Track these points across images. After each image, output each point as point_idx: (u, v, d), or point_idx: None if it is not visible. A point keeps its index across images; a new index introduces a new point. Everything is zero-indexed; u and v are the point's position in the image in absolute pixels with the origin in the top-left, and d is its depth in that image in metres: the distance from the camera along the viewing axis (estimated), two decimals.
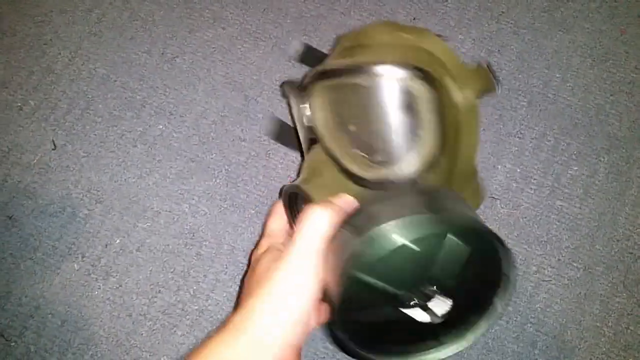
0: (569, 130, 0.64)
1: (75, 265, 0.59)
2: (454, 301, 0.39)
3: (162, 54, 0.66)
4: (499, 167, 0.63)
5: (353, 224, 0.39)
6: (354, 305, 0.38)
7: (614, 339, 0.58)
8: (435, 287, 0.38)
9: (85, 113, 0.64)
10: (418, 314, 0.39)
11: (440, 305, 0.39)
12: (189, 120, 0.63)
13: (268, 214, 0.50)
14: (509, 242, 0.60)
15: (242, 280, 0.52)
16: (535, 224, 0.61)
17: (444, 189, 0.44)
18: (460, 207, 0.39)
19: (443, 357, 0.41)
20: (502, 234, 0.60)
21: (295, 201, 0.49)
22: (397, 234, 0.36)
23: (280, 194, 0.53)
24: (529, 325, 0.58)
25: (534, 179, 0.62)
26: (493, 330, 0.58)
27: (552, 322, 0.58)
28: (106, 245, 0.60)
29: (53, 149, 0.62)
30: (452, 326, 0.41)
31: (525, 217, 0.61)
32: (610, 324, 0.58)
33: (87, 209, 0.61)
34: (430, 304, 0.39)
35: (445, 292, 0.39)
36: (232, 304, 0.58)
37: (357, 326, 0.39)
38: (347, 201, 0.42)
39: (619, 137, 0.64)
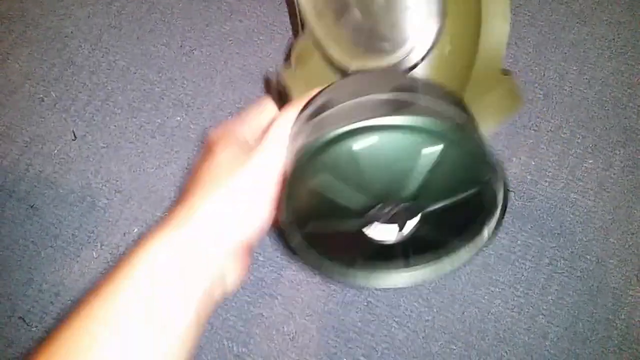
0: (585, 123, 0.64)
1: (94, 253, 0.60)
2: (434, 226, 0.34)
3: (181, 46, 0.67)
4: (514, 159, 0.63)
5: (312, 113, 0.34)
6: (312, 213, 0.34)
7: (626, 332, 0.58)
8: (407, 205, 0.33)
9: (105, 104, 0.65)
10: (377, 232, 0.35)
11: (404, 224, 0.34)
12: (206, 112, 0.64)
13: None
14: (523, 235, 0.60)
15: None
16: (549, 216, 0.61)
17: (427, 80, 0.38)
18: (440, 106, 0.32)
19: (414, 281, 0.37)
20: (515, 226, 0.60)
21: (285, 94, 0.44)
22: (346, 139, 0.30)
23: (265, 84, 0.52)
24: (540, 317, 0.58)
25: (549, 172, 0.62)
26: (504, 322, 0.58)
27: (564, 314, 0.58)
28: (124, 234, 0.61)
29: (73, 140, 0.64)
30: (431, 253, 0.37)
31: (539, 210, 0.61)
32: (622, 316, 0.58)
33: (107, 199, 0.62)
34: (390, 224, 0.34)
35: (423, 214, 0.33)
36: (247, 293, 0.59)
37: (320, 238, 0.35)
38: None
39: (635, 130, 0.64)
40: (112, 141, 0.64)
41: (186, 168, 0.62)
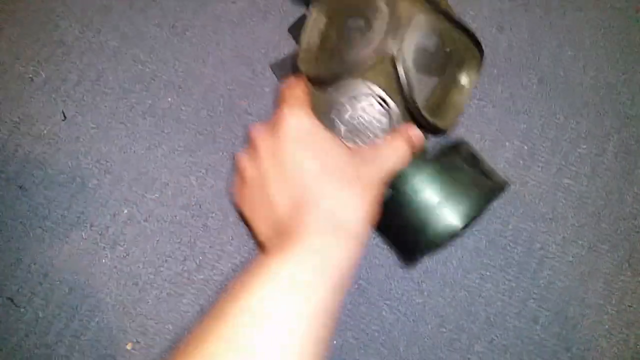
0: (579, 109, 0.64)
1: (84, 234, 0.60)
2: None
3: (173, 27, 0.66)
4: (507, 144, 0.62)
5: None
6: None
7: (616, 317, 0.58)
8: None
9: (95, 85, 0.64)
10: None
11: None
12: (197, 93, 0.64)
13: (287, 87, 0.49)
14: (515, 219, 0.60)
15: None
16: (541, 201, 0.61)
17: None
18: None
19: None
20: (507, 210, 0.60)
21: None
22: None
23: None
24: (531, 301, 0.58)
25: (542, 157, 0.62)
26: (495, 306, 0.58)
27: (555, 298, 0.58)
28: (114, 215, 0.60)
29: (63, 120, 0.63)
30: None
31: (532, 195, 0.61)
32: (613, 301, 0.58)
33: (96, 180, 0.61)
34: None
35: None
36: (234, 275, 0.59)
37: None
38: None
39: (630, 116, 0.64)
40: (103, 122, 0.63)
41: (177, 150, 0.62)
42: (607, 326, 0.57)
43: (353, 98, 0.47)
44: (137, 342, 0.57)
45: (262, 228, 0.45)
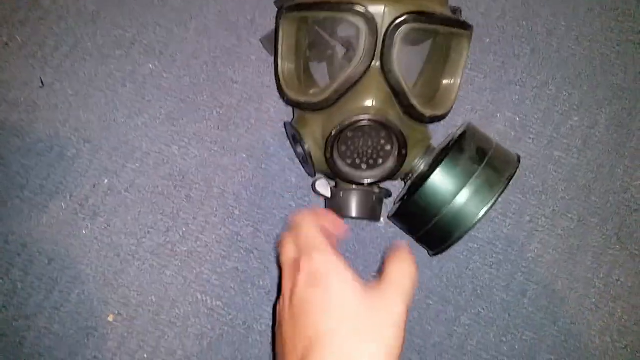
0: (572, 80, 0.62)
1: (63, 204, 0.58)
2: None
3: None
4: (499, 115, 0.61)
5: None
6: None
7: (604, 290, 0.57)
8: None
9: (73, 50, 0.62)
10: None
11: None
12: (180, 60, 0.61)
13: (300, 224, 0.43)
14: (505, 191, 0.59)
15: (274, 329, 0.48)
16: (532, 173, 0.60)
17: None
18: None
19: None
20: None
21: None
22: None
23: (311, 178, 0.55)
24: (519, 274, 0.57)
25: (533, 128, 0.61)
26: (482, 278, 0.57)
27: (544, 272, 0.58)
28: (94, 185, 0.59)
29: (41, 87, 0.61)
30: None
31: (522, 167, 0.59)
32: (601, 275, 0.58)
33: (75, 148, 0.60)
34: None
35: None
36: (222, 247, 0.57)
37: None
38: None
39: (622, 88, 0.62)
40: (81, 89, 0.61)
41: (158, 118, 0.60)
42: (594, 300, 0.57)
43: (348, 122, 0.46)
44: (119, 314, 0.56)
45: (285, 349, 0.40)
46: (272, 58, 0.61)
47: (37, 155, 0.59)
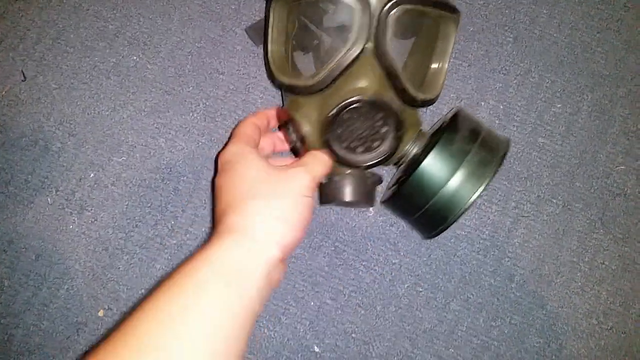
0: (554, 68, 0.63)
1: (49, 199, 0.58)
2: None
3: None
4: (482, 103, 0.62)
5: None
6: None
7: (589, 274, 0.59)
8: None
9: (56, 43, 0.61)
10: None
11: None
12: (164, 51, 0.61)
13: (238, 124, 0.50)
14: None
15: (213, 182, 0.51)
16: (517, 160, 0.61)
17: None
18: None
19: None
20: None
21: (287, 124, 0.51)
22: None
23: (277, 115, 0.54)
24: (506, 259, 0.58)
25: (517, 116, 0.62)
26: (470, 264, 0.58)
27: (530, 257, 0.58)
28: (80, 179, 0.58)
29: (23, 80, 0.60)
30: None
31: (507, 154, 0.61)
32: (586, 259, 0.59)
33: (60, 142, 0.59)
34: None
35: None
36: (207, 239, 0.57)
37: None
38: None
39: (603, 75, 0.63)
40: (65, 82, 0.60)
41: (143, 110, 0.59)
42: (579, 283, 0.58)
43: (346, 102, 0.46)
44: (109, 308, 0.56)
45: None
46: (258, 48, 0.61)
47: (21, 150, 0.58)
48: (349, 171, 0.49)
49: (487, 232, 0.59)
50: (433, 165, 0.47)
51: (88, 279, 0.56)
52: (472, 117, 0.51)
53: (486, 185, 0.46)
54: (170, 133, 0.59)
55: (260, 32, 0.60)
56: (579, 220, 0.60)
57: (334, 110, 0.46)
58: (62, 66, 0.60)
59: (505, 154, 0.48)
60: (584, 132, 0.62)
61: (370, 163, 0.48)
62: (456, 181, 0.46)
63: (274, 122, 0.54)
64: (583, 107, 0.62)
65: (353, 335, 0.56)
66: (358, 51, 0.46)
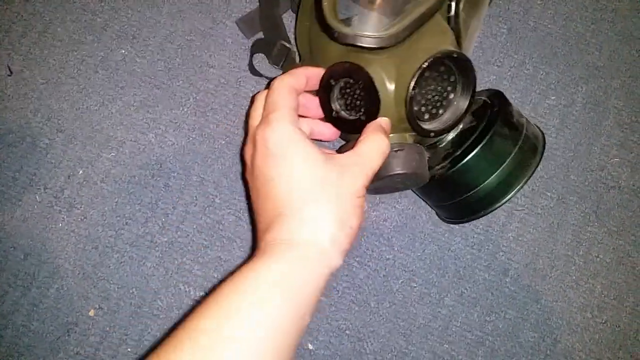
0: (549, 59, 0.63)
1: (37, 197, 0.57)
2: None
3: None
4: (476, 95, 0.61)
5: None
6: None
7: (583, 267, 0.58)
8: None
9: (42, 36, 0.60)
10: None
11: None
12: (153, 44, 0.60)
13: (273, 89, 0.43)
14: None
15: (244, 177, 0.49)
16: None
17: None
18: None
19: None
20: None
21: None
22: None
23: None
24: (500, 253, 0.58)
25: None
26: (464, 259, 0.58)
27: (524, 250, 0.58)
28: (69, 176, 0.57)
29: (9, 75, 0.59)
30: None
31: None
32: (581, 252, 0.59)
33: (48, 139, 0.58)
34: None
35: None
36: (203, 236, 0.56)
37: None
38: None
39: (598, 66, 0.63)
40: (52, 76, 0.59)
41: (132, 105, 0.58)
42: (574, 277, 0.58)
43: (439, 55, 0.42)
44: (100, 307, 0.55)
45: (258, 221, 0.43)
46: (249, 41, 0.60)
47: (8, 147, 0.57)
48: (401, 142, 0.45)
49: (481, 227, 0.58)
50: (481, 157, 0.47)
51: (78, 278, 0.55)
52: (514, 107, 0.51)
53: (522, 187, 0.48)
54: (160, 128, 0.58)
55: (251, 24, 0.59)
56: (573, 214, 0.59)
57: (427, 62, 0.41)
58: (49, 60, 0.59)
59: (543, 150, 0.50)
60: (579, 124, 0.61)
61: (436, 130, 0.44)
62: (499, 177, 0.47)
63: (311, 86, 0.45)
64: (577, 99, 0.62)
65: (347, 332, 0.56)
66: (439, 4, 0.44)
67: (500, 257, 0.58)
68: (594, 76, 0.63)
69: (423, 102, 0.44)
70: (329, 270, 0.38)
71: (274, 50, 0.57)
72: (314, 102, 0.46)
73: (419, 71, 0.41)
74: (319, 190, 0.38)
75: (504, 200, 0.48)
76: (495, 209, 0.49)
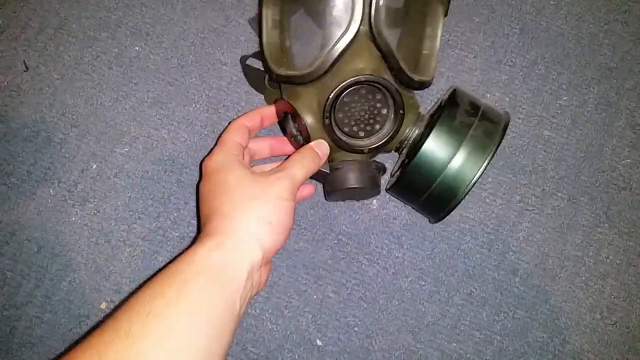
0: (561, 60, 0.63)
1: (51, 190, 0.57)
2: None
3: None
4: (488, 95, 0.61)
5: None
6: None
7: (593, 268, 0.58)
8: None
9: (58, 33, 0.60)
10: None
11: None
12: (167, 41, 0.60)
13: (227, 128, 0.50)
14: (494, 172, 0.59)
15: (197, 188, 0.51)
16: (522, 153, 0.60)
17: None
18: None
19: None
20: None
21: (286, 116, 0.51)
22: None
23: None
24: (510, 253, 0.58)
25: (523, 108, 0.61)
26: (474, 258, 0.58)
27: (534, 250, 0.58)
28: (82, 171, 0.58)
29: (25, 71, 0.60)
30: None
31: (512, 147, 0.60)
32: (590, 253, 0.58)
33: (62, 133, 0.58)
34: None
35: None
36: None
37: None
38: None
39: (610, 67, 0.63)
40: (67, 72, 0.60)
41: (146, 102, 0.59)
42: (584, 277, 0.58)
43: (346, 84, 0.45)
44: (112, 301, 0.56)
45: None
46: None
47: (23, 141, 0.58)
48: (351, 159, 0.49)
49: (491, 226, 0.58)
50: (436, 143, 0.46)
51: (90, 271, 0.56)
52: (470, 94, 0.51)
53: (490, 160, 0.46)
54: (172, 124, 0.59)
55: None
56: (583, 214, 0.59)
57: (334, 93, 0.46)
58: (64, 56, 0.60)
59: (507, 126, 0.48)
60: (590, 125, 0.61)
61: (373, 146, 0.48)
62: (461, 157, 0.46)
63: (268, 121, 0.53)
64: (589, 100, 0.62)
65: (355, 328, 0.56)
66: (354, 33, 0.45)
67: (510, 256, 0.58)
68: (606, 77, 0.62)
69: (353, 122, 0.47)
70: (248, 260, 0.41)
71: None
72: (264, 144, 0.54)
73: (328, 102, 0.46)
74: (241, 194, 0.44)
75: (467, 186, 0.46)
76: (470, 188, 0.47)
